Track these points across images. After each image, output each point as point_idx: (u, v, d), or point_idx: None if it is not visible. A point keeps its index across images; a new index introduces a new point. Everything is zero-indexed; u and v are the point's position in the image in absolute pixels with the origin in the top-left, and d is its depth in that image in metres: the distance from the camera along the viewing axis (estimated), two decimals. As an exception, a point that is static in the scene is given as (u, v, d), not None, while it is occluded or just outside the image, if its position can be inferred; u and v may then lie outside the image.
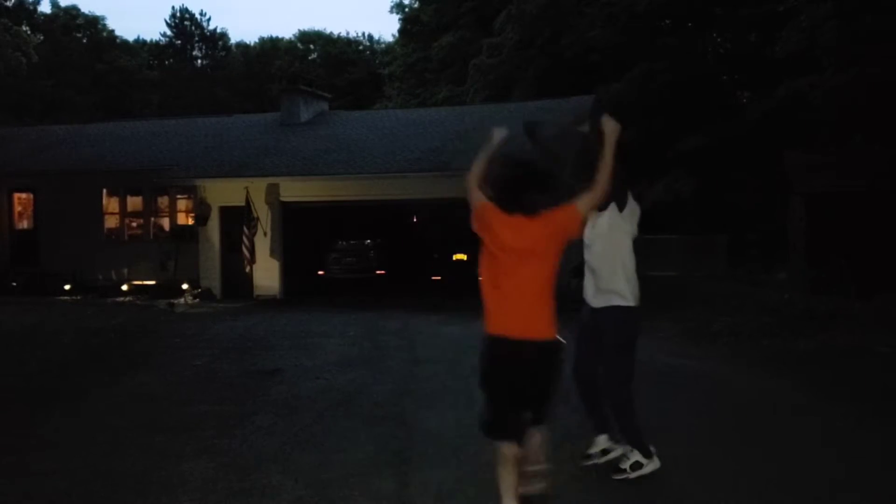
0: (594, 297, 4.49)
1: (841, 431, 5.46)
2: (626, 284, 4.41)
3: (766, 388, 6.96)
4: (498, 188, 3.61)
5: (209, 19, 52.57)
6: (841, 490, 4.28)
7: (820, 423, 5.71)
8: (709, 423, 5.71)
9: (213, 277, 15.21)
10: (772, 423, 5.73)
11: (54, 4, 46.07)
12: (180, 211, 16.97)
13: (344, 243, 19.08)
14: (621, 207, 4.37)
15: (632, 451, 4.38)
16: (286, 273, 15.05)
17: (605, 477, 4.39)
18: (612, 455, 4.52)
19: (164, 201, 17.17)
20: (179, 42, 51.56)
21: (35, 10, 43.93)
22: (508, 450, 3.51)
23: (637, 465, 4.35)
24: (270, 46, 53.66)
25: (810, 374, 7.40)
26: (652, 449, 4.38)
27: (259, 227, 14.75)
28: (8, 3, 40.52)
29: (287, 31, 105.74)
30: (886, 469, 4.63)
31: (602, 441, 4.58)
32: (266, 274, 14.82)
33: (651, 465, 4.36)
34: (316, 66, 49.41)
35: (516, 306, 3.52)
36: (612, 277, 4.41)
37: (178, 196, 16.86)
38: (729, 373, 7.61)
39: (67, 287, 15.97)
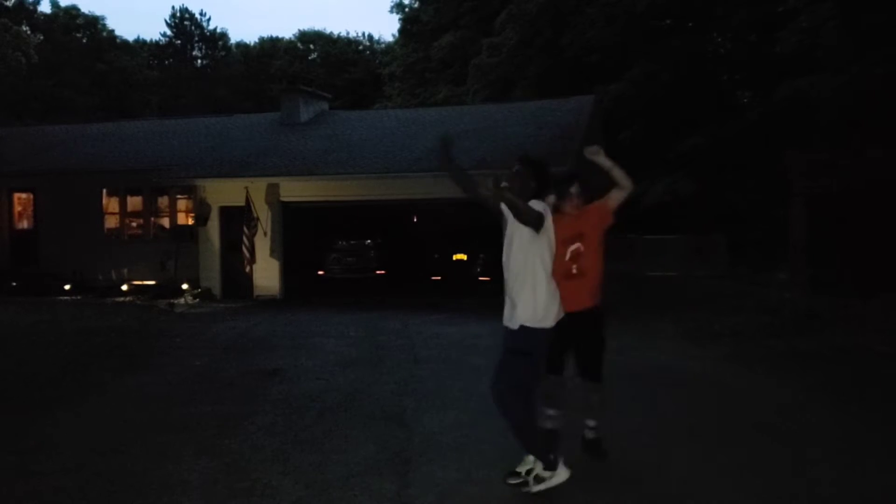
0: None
1: (842, 431, 5.45)
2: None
3: (767, 387, 6.96)
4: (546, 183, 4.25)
5: (209, 19, 52.65)
6: (842, 490, 4.27)
7: (821, 422, 5.70)
8: (709, 422, 5.70)
9: (213, 277, 15.20)
10: (773, 422, 5.72)
11: (54, 4, 46.12)
12: (180, 211, 16.96)
13: (344, 243, 19.07)
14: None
15: (535, 461, 4.15)
16: (286, 273, 15.03)
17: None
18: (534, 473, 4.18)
19: (164, 201, 17.16)
20: (179, 42, 51.55)
21: (35, 10, 43.96)
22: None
23: (539, 479, 4.12)
24: (270, 46, 53.64)
25: (811, 374, 7.39)
26: (560, 459, 4.13)
27: (259, 227, 14.73)
28: (8, 3, 40.55)
29: (287, 31, 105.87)
30: (886, 470, 4.62)
31: (531, 460, 4.21)
32: (266, 274, 14.82)
33: (557, 478, 4.12)
34: (316, 66, 49.43)
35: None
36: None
37: (178, 196, 16.86)
38: (730, 373, 7.60)
39: (67, 287, 15.96)
